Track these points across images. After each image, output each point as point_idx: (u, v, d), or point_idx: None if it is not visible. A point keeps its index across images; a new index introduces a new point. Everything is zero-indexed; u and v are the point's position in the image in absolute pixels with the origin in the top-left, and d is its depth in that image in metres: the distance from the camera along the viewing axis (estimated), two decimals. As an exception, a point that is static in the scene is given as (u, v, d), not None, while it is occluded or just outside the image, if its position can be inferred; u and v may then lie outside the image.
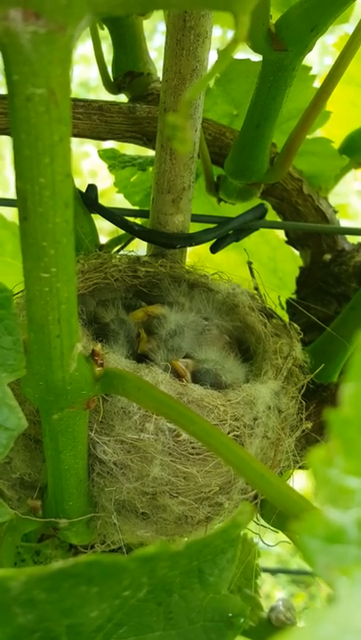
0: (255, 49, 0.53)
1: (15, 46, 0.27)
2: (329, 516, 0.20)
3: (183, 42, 0.58)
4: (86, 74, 3.46)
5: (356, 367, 0.21)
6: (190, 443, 0.52)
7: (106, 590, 0.27)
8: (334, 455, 0.20)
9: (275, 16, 0.55)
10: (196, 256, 0.87)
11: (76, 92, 3.49)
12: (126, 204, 0.84)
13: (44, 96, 0.28)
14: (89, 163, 3.01)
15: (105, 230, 0.74)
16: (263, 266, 0.95)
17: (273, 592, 2.23)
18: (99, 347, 0.44)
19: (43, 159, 0.30)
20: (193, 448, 0.52)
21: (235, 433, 0.53)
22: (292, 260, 0.89)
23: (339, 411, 0.21)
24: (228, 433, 0.53)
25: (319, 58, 3.22)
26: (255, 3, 0.26)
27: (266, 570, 1.59)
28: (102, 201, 0.72)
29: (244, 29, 0.27)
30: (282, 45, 0.51)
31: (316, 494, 0.21)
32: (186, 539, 0.60)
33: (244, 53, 0.68)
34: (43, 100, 0.28)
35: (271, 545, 0.63)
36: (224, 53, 0.27)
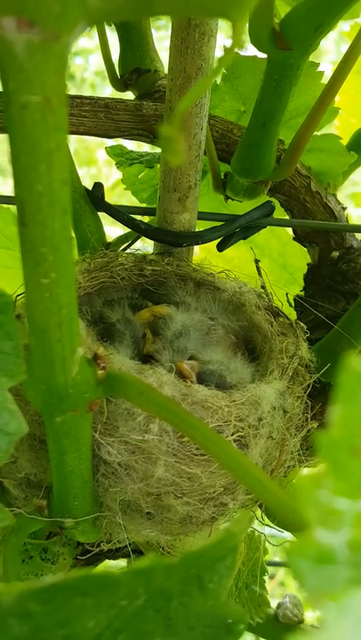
0: (260, 48, 0.53)
1: (10, 55, 0.27)
2: (319, 537, 0.20)
3: (188, 40, 0.57)
4: (103, 63, 3.44)
5: (344, 388, 0.20)
6: (194, 444, 0.52)
7: (102, 601, 0.27)
8: (324, 477, 0.20)
9: (285, 10, 0.54)
10: (206, 252, 0.86)
11: (93, 80, 3.48)
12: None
13: (39, 104, 0.28)
14: (104, 152, 2.99)
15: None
16: (274, 261, 0.95)
17: (289, 582, 2.22)
18: (101, 350, 0.44)
19: (40, 167, 0.30)
20: (197, 449, 0.52)
21: (239, 434, 0.53)
22: (302, 256, 0.88)
23: (328, 432, 0.21)
24: (233, 434, 0.53)
25: (336, 46, 3.19)
26: (251, 10, 0.26)
27: (282, 564, 1.58)
28: (117, 193, 0.72)
29: (242, 36, 0.26)
30: (286, 45, 0.50)
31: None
32: (190, 538, 0.60)
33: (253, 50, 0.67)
34: (39, 108, 0.28)
35: (276, 545, 0.63)
36: (221, 61, 0.26)
